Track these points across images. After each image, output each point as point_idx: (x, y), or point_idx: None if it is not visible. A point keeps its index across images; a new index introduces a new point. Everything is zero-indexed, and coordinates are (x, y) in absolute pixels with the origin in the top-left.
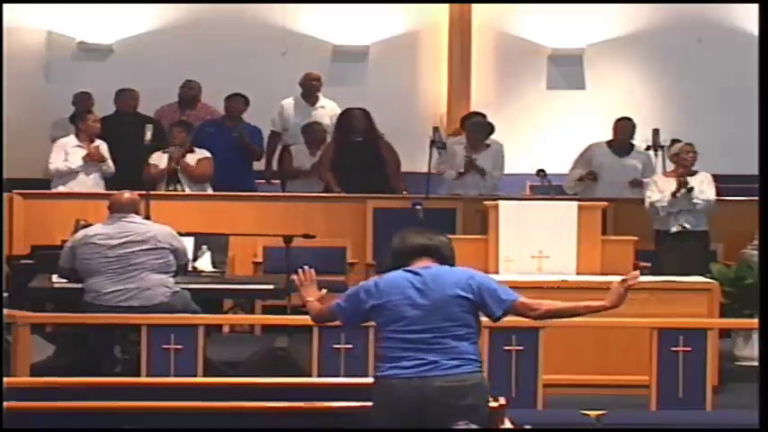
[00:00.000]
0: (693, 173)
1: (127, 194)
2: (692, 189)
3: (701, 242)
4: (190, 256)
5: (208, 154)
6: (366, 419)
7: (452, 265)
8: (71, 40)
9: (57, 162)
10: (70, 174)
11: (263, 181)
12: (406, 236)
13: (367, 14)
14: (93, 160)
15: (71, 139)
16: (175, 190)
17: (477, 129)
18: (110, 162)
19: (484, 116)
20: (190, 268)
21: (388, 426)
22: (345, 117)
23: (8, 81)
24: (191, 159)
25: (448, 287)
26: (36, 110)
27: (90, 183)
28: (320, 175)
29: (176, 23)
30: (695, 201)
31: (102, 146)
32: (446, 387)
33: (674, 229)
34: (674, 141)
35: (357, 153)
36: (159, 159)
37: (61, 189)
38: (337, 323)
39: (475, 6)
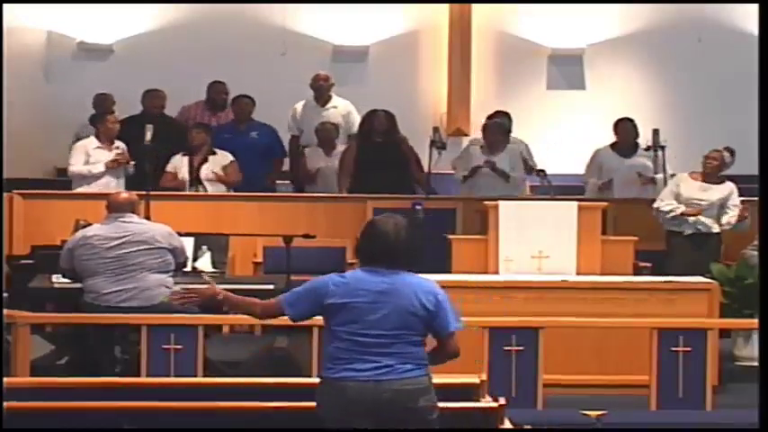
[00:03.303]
0: (720, 180)
1: (124, 194)
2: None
3: (716, 244)
4: (189, 255)
5: (230, 157)
6: (313, 418)
7: (413, 260)
8: (71, 40)
9: (77, 165)
10: (93, 177)
11: (287, 181)
12: (377, 234)
13: (367, 14)
14: (119, 165)
15: (92, 141)
16: (197, 190)
17: (496, 130)
18: (131, 163)
19: (508, 116)
20: (189, 268)
21: (337, 426)
22: (368, 118)
23: (8, 81)
24: (213, 162)
25: (413, 298)
26: (36, 110)
27: (113, 185)
28: (339, 178)
29: (176, 23)
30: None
31: (122, 147)
32: (401, 390)
33: (688, 231)
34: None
35: (379, 153)
36: (179, 164)
37: (85, 189)
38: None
39: (475, 6)
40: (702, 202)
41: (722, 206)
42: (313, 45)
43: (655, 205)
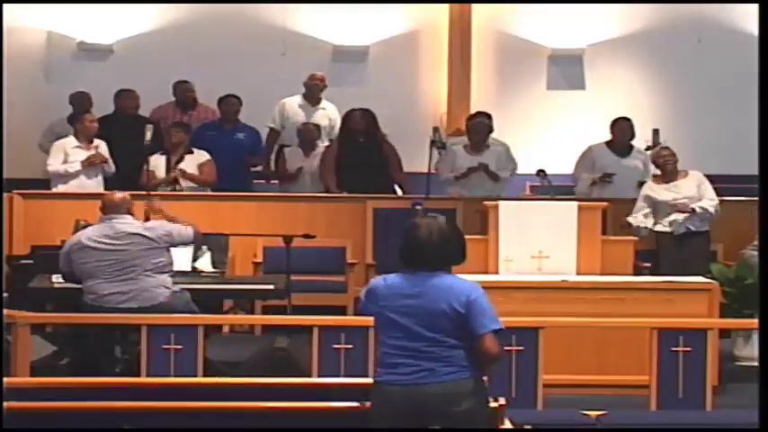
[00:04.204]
0: (682, 174)
1: (118, 195)
2: (693, 210)
3: (704, 242)
4: (189, 255)
5: (207, 155)
6: (365, 420)
7: (452, 262)
8: (71, 40)
9: (55, 164)
10: (69, 176)
11: (263, 181)
12: (411, 236)
13: (367, 14)
14: (95, 163)
15: (71, 140)
16: (174, 191)
17: (479, 129)
18: (110, 162)
19: (489, 116)
20: (189, 268)
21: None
22: (348, 118)
23: (8, 81)
24: (189, 161)
25: (441, 300)
26: (36, 110)
27: (92, 184)
28: (321, 176)
29: (176, 23)
30: (706, 215)
31: (102, 146)
32: (442, 394)
33: (680, 231)
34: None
35: (360, 153)
36: (157, 162)
37: (61, 188)
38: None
39: (475, 6)
40: (683, 200)
41: (699, 195)
42: (313, 45)
43: (635, 223)
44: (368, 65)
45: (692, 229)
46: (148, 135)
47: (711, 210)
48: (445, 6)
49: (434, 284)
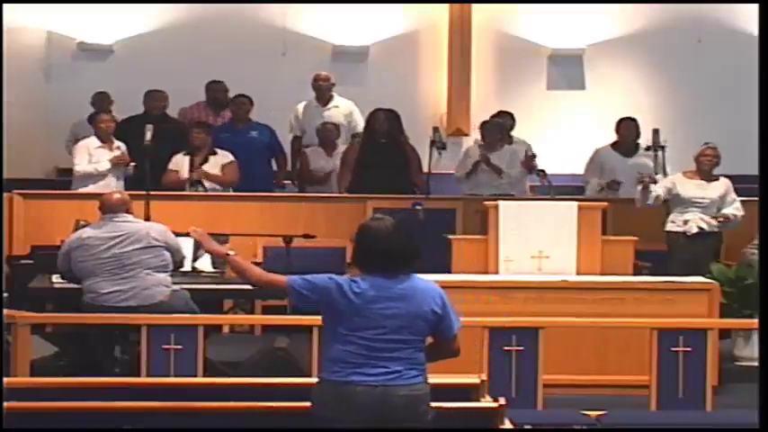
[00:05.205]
0: (714, 177)
1: (117, 194)
2: (728, 219)
3: (716, 243)
4: (189, 255)
5: (231, 156)
6: (314, 421)
7: (414, 261)
8: (71, 40)
9: (82, 164)
10: (98, 176)
11: (288, 182)
12: (380, 236)
13: (367, 14)
14: (120, 163)
15: (93, 141)
16: (197, 190)
17: (494, 130)
18: (132, 164)
19: (511, 116)
20: (189, 268)
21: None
22: (372, 118)
23: (8, 81)
24: (213, 162)
25: (424, 303)
26: (36, 110)
27: (113, 185)
28: (340, 174)
29: (176, 23)
30: (737, 221)
31: (122, 147)
32: (409, 396)
33: (693, 231)
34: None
35: (380, 154)
36: (181, 163)
37: (92, 188)
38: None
39: (475, 6)
40: (705, 200)
41: (722, 202)
42: (313, 45)
43: (654, 195)
44: (368, 65)
45: (706, 229)
46: (148, 135)
47: (740, 218)
48: (445, 6)
49: (414, 287)
